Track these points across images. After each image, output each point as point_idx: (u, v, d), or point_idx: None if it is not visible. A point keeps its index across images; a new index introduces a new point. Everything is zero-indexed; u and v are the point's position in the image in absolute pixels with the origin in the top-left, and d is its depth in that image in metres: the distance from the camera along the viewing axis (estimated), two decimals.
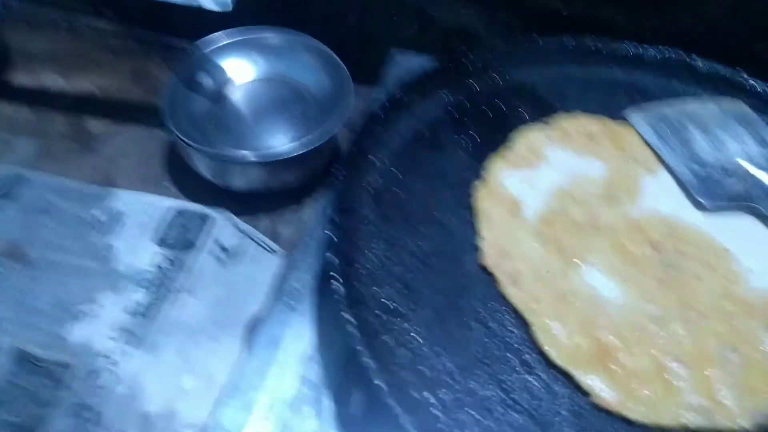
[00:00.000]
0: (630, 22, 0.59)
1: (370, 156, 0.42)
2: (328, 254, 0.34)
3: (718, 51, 0.56)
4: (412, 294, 0.36)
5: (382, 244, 0.38)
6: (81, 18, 0.78)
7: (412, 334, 0.34)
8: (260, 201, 0.61)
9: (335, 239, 0.35)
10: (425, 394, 0.32)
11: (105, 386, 0.48)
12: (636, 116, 0.47)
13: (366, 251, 0.37)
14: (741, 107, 0.47)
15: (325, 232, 0.35)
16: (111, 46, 0.76)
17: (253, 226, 0.60)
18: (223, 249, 0.57)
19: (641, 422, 0.31)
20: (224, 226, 0.59)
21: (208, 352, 0.50)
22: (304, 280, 0.41)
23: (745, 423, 0.31)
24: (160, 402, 0.48)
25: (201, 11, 0.56)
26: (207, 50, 0.64)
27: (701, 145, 0.44)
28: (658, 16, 0.58)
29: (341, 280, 0.34)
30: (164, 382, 0.48)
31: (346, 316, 0.32)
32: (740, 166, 0.43)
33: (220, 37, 0.65)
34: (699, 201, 0.41)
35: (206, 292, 0.54)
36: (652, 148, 0.44)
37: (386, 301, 0.35)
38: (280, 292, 0.40)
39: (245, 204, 0.61)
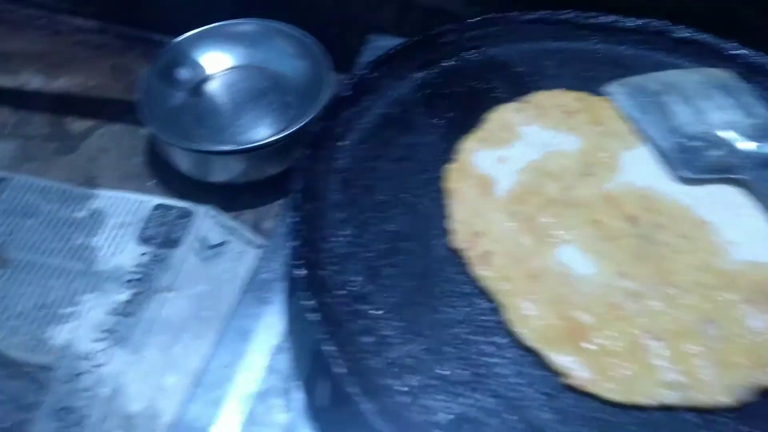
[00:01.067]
0: None
1: (337, 138, 0.41)
2: (293, 241, 0.33)
3: (704, 20, 0.55)
4: (380, 279, 0.35)
5: (350, 228, 0.37)
6: (60, 16, 0.77)
7: (379, 320, 0.33)
8: (243, 194, 0.60)
9: (299, 225, 0.34)
10: (392, 380, 0.31)
11: (88, 388, 0.48)
12: (615, 89, 0.45)
13: (333, 236, 0.36)
14: (726, 76, 0.45)
15: (291, 218, 0.34)
16: (90, 43, 0.75)
17: (237, 221, 0.59)
18: (206, 245, 0.57)
19: (616, 401, 0.30)
20: (207, 221, 0.58)
21: (192, 349, 0.50)
22: (276, 270, 0.40)
23: (725, 399, 0.30)
24: (144, 401, 0.47)
25: (178, 5, 0.55)
26: (183, 43, 0.64)
27: (683, 116, 0.42)
28: None
29: (304, 268, 0.32)
30: (147, 381, 0.48)
31: (309, 303, 0.31)
32: (724, 137, 0.41)
33: (197, 30, 0.64)
34: (680, 173, 0.40)
35: (189, 289, 0.54)
36: (628, 117, 0.43)
37: (353, 287, 0.34)
38: (251, 284, 0.39)
39: (228, 198, 0.60)
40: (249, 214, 0.60)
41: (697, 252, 0.36)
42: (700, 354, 0.32)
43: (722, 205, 0.39)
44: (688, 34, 0.49)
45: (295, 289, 0.38)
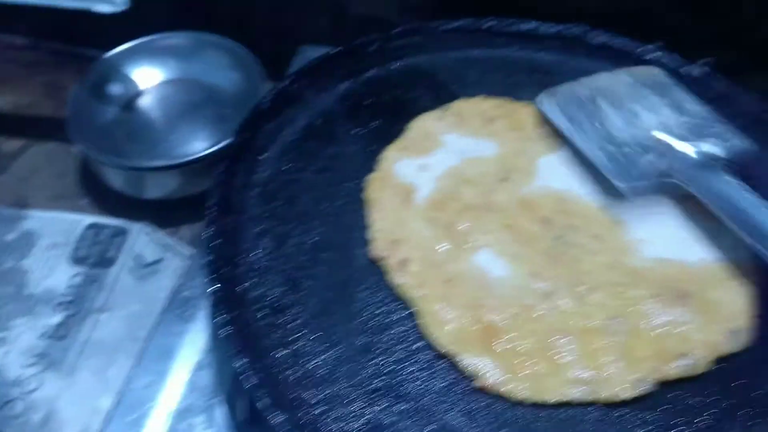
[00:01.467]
0: None
1: (257, 151, 0.41)
2: (206, 257, 0.33)
3: (631, 22, 0.56)
4: (299, 291, 0.35)
5: (270, 241, 0.37)
6: None
7: (295, 332, 0.33)
8: (180, 210, 0.60)
9: (213, 240, 0.34)
10: (306, 392, 0.31)
11: (20, 415, 0.47)
12: (544, 99, 0.45)
13: (252, 250, 0.36)
14: (655, 75, 0.46)
15: (205, 234, 0.34)
16: (22, 60, 0.74)
17: (175, 237, 0.58)
18: (141, 263, 0.56)
19: (526, 401, 0.31)
20: (142, 239, 0.57)
21: (127, 369, 0.49)
22: (199, 287, 0.40)
23: (628, 393, 0.31)
24: (78, 425, 0.46)
25: (112, 18, 0.54)
26: (114, 58, 0.63)
27: (614, 122, 0.41)
28: None
29: (217, 283, 0.32)
30: (81, 404, 0.47)
31: (221, 318, 0.31)
32: (657, 140, 0.40)
33: (128, 44, 0.63)
34: (618, 184, 0.39)
35: (124, 308, 0.53)
36: (560, 130, 0.43)
37: (270, 301, 0.34)
38: (174, 302, 0.38)
39: (164, 214, 0.59)
40: (186, 230, 0.59)
41: (608, 251, 0.37)
42: (607, 350, 0.33)
43: (636, 204, 0.40)
44: (605, 39, 0.50)
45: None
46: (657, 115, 0.41)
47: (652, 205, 0.40)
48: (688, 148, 0.39)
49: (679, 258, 0.37)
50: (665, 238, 0.38)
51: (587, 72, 0.49)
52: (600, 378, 0.31)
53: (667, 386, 0.32)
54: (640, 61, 0.50)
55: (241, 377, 0.29)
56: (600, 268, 0.36)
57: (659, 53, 0.50)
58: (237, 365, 0.29)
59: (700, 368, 0.33)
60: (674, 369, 0.33)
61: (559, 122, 0.43)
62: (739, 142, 0.39)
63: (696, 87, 0.47)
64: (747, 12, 0.54)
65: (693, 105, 0.42)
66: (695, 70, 0.48)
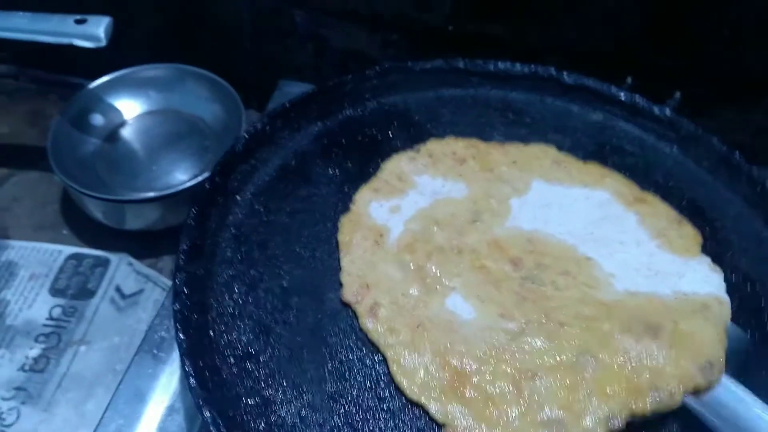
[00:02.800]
0: (515, 35, 0.60)
1: (230, 193, 0.41)
2: (174, 305, 0.34)
3: (602, 58, 0.58)
4: (269, 337, 0.36)
5: (241, 286, 0.38)
6: None
7: (264, 380, 0.34)
8: (162, 241, 0.60)
9: (181, 287, 0.34)
10: None
11: None
12: None
13: (224, 296, 0.37)
14: None
15: (173, 281, 0.34)
16: (4, 88, 0.74)
17: (156, 268, 0.59)
18: (122, 294, 0.56)
19: None
20: (123, 269, 0.57)
21: (105, 404, 0.49)
22: (173, 328, 0.40)
23: (600, 430, 0.31)
24: None
25: (87, 49, 0.55)
26: (96, 89, 0.63)
27: None
28: (541, 28, 0.59)
29: (185, 332, 0.33)
30: None
31: (187, 368, 0.31)
32: None
33: (110, 75, 0.64)
34: None
35: (104, 341, 0.53)
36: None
37: (240, 348, 0.35)
38: (148, 342, 0.39)
39: (146, 245, 0.59)
40: (167, 261, 0.60)
41: (578, 286, 0.38)
42: (578, 387, 0.33)
43: (604, 242, 0.41)
44: (575, 79, 0.51)
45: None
46: None
47: (619, 241, 0.41)
48: None
49: (650, 291, 0.38)
50: (636, 271, 0.39)
51: (558, 111, 0.50)
52: (571, 416, 0.32)
53: (639, 421, 0.33)
54: (607, 100, 0.51)
55: (208, 428, 0.29)
56: (570, 303, 0.37)
57: (625, 93, 0.51)
58: (205, 416, 0.30)
59: (674, 402, 0.33)
60: (647, 404, 0.33)
61: None
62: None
63: (665, 128, 0.48)
64: (713, 48, 0.56)
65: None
66: (665, 110, 0.49)
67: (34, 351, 0.52)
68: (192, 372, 0.31)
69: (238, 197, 0.42)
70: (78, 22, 0.55)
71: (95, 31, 0.54)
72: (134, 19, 0.64)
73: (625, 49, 0.58)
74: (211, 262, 0.38)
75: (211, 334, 0.35)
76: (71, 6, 0.56)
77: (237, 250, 0.39)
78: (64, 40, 0.55)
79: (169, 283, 0.57)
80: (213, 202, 0.40)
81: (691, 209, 0.43)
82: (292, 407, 0.33)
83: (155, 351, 0.39)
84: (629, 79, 0.54)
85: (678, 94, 0.54)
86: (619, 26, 0.57)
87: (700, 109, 0.52)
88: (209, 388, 0.31)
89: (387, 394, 0.34)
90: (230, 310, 0.36)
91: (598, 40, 0.59)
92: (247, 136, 0.42)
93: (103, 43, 0.54)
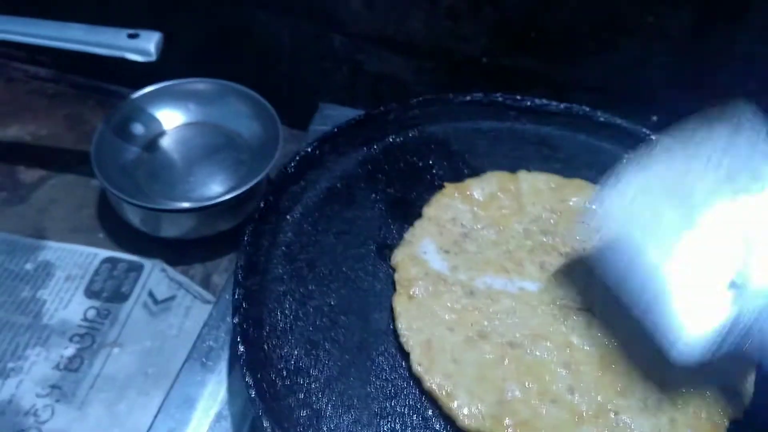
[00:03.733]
0: (546, 71, 0.62)
1: (281, 212, 0.43)
2: (234, 319, 0.36)
3: (629, 97, 0.60)
4: (319, 353, 0.37)
5: (292, 302, 0.39)
6: (14, 63, 0.78)
7: (315, 394, 0.35)
8: (194, 249, 0.62)
9: (239, 302, 0.36)
10: None
11: None
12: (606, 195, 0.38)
13: (276, 311, 0.39)
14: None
15: (233, 296, 0.36)
16: (44, 92, 0.76)
17: (187, 276, 0.60)
18: (155, 300, 0.58)
19: None
20: (156, 275, 0.59)
21: (137, 405, 0.51)
22: (222, 338, 0.42)
23: None
24: None
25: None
26: (140, 99, 0.65)
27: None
28: (572, 66, 0.62)
29: (245, 345, 0.35)
30: None
31: (248, 381, 0.33)
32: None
33: (153, 86, 0.66)
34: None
35: (136, 344, 0.55)
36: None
37: (292, 362, 0.37)
38: (197, 350, 0.41)
39: (178, 253, 0.61)
40: (198, 269, 0.62)
41: None
42: None
43: None
44: (605, 117, 0.54)
45: (236, 363, 0.40)
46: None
47: None
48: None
49: None
50: None
51: (592, 148, 0.53)
52: None
53: None
54: (639, 139, 0.53)
55: None
56: None
57: (655, 134, 0.53)
58: (265, 426, 0.32)
59: None
60: None
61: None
62: None
63: None
64: (740, 89, 0.58)
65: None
66: None
67: (69, 350, 0.54)
68: (252, 383, 0.33)
69: (288, 217, 0.44)
70: (131, 36, 0.57)
71: (146, 46, 0.56)
72: (176, 34, 0.66)
73: (651, 90, 0.61)
74: (264, 278, 0.40)
75: (266, 347, 0.37)
76: (118, 19, 0.58)
77: (287, 268, 0.41)
78: (117, 53, 0.57)
79: (201, 290, 0.59)
80: (266, 220, 0.42)
81: None
82: (342, 421, 0.35)
83: (204, 360, 0.41)
84: (654, 118, 0.57)
85: None
86: (646, 70, 0.60)
87: None
88: (267, 399, 0.33)
89: (433, 415, 0.36)
90: (282, 325, 0.38)
91: (625, 80, 0.61)
92: (298, 158, 0.45)
93: (154, 58, 0.57)
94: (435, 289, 0.41)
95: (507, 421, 0.36)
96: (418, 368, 0.37)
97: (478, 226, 0.45)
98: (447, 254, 0.43)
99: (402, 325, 0.39)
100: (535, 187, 0.48)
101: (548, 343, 0.39)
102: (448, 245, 0.44)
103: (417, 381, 0.37)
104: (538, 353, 0.39)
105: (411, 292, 0.40)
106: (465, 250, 0.44)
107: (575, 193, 0.48)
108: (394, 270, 0.42)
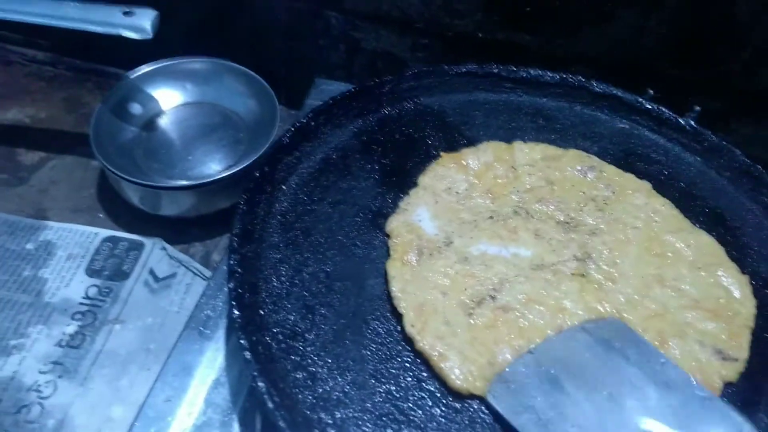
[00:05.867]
0: (541, 45, 0.62)
1: (277, 182, 0.43)
2: (229, 284, 0.36)
3: (624, 69, 0.60)
4: (314, 317, 0.38)
5: (288, 269, 0.40)
6: (12, 47, 0.78)
7: (311, 357, 0.36)
8: (194, 228, 0.62)
9: (236, 268, 0.37)
10: (320, 414, 0.33)
11: (35, 420, 0.49)
12: (497, 389, 0.35)
13: (272, 277, 0.39)
14: (616, 328, 0.38)
15: (228, 261, 0.37)
16: (43, 74, 0.76)
17: (187, 253, 0.61)
18: (155, 277, 0.58)
19: None
20: (156, 254, 0.60)
21: (138, 380, 0.51)
22: (219, 307, 0.43)
23: None
24: None
25: (132, 40, 0.57)
26: (137, 79, 0.66)
27: (588, 417, 0.33)
28: (567, 39, 0.61)
29: (240, 309, 0.35)
30: (94, 413, 0.49)
31: (243, 342, 0.33)
32: None
33: (150, 66, 0.66)
34: None
35: (137, 321, 0.55)
36: None
37: (288, 326, 0.37)
38: (195, 320, 0.41)
39: (178, 231, 0.62)
40: (198, 247, 0.62)
41: None
42: None
43: None
44: (603, 89, 0.53)
45: (232, 327, 0.40)
46: (640, 400, 0.34)
47: None
48: None
49: None
50: None
51: (586, 118, 0.53)
52: None
53: None
54: (635, 110, 0.53)
55: (262, 398, 0.32)
56: None
57: (652, 105, 0.53)
58: (258, 386, 0.32)
59: None
60: None
61: (522, 425, 0.34)
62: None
63: (689, 139, 0.51)
64: (733, 67, 0.58)
65: (672, 371, 0.36)
66: (689, 122, 0.51)
67: (71, 328, 0.54)
68: (247, 346, 0.33)
69: (283, 187, 0.44)
70: (126, 14, 0.57)
71: (142, 23, 0.56)
72: (171, 12, 0.66)
73: (647, 62, 0.61)
74: (259, 246, 0.40)
75: (261, 312, 0.37)
76: None
77: (283, 236, 0.41)
78: (112, 31, 0.57)
79: (201, 267, 0.59)
80: (261, 190, 0.42)
81: (714, 217, 0.45)
82: (337, 383, 0.35)
83: (201, 328, 0.41)
84: (650, 91, 0.57)
85: (697, 108, 0.56)
86: (642, 42, 0.60)
87: (717, 122, 0.54)
88: (262, 361, 0.34)
89: (425, 374, 0.36)
90: (278, 291, 0.39)
91: (621, 53, 0.61)
92: (293, 130, 0.45)
93: (150, 35, 0.57)
94: (429, 254, 0.41)
95: None
96: (411, 329, 0.37)
97: (474, 195, 0.45)
98: (441, 221, 0.43)
99: (395, 288, 0.39)
100: (531, 157, 0.48)
101: (541, 308, 0.39)
102: (443, 213, 0.44)
103: (411, 343, 0.37)
104: (531, 317, 0.39)
105: (405, 258, 0.41)
106: (460, 218, 0.44)
107: (571, 163, 0.48)
108: (388, 237, 0.42)
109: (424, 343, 0.37)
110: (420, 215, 0.43)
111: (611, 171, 0.48)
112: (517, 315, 0.39)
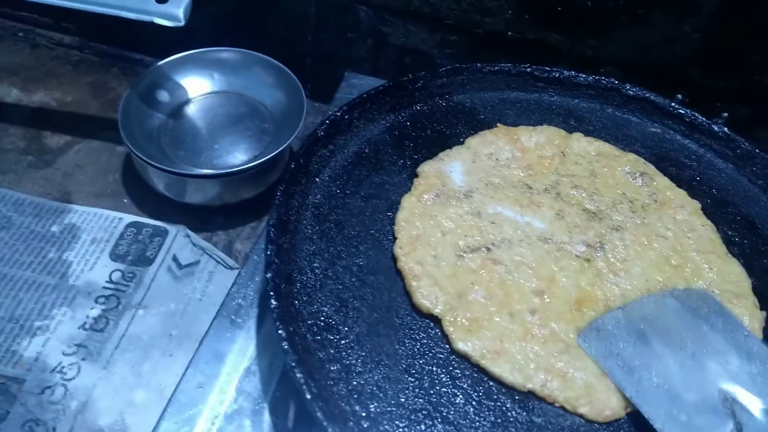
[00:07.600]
0: (572, 45, 0.62)
1: (311, 174, 0.44)
2: (267, 273, 0.36)
3: (654, 74, 0.60)
4: (348, 310, 0.38)
5: (322, 261, 0.40)
6: (39, 30, 0.78)
7: (345, 349, 0.36)
8: (217, 217, 0.63)
9: (273, 258, 0.37)
10: (354, 406, 0.33)
11: (58, 401, 0.49)
12: (588, 336, 0.38)
13: (306, 269, 0.39)
14: (705, 299, 0.40)
15: (265, 252, 0.37)
16: (69, 58, 0.77)
17: (210, 242, 0.61)
18: (179, 264, 0.59)
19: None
20: (180, 241, 0.60)
21: (161, 366, 0.52)
22: (250, 296, 0.43)
23: None
24: (113, 416, 0.49)
25: (160, 27, 0.57)
26: (165, 66, 0.66)
27: (672, 371, 0.35)
28: (598, 40, 0.61)
29: (278, 299, 0.35)
30: (116, 396, 0.50)
31: (281, 333, 0.33)
32: (724, 397, 0.35)
33: (180, 55, 0.66)
34: None
35: (160, 307, 0.55)
36: (609, 375, 0.37)
37: (323, 318, 0.37)
38: (226, 308, 0.41)
39: (202, 219, 0.62)
40: (221, 236, 0.62)
41: None
42: None
43: None
44: (634, 91, 0.53)
45: (268, 316, 0.40)
46: (721, 364, 0.36)
47: None
48: (760, 410, 0.34)
49: None
50: None
51: (618, 121, 0.53)
52: None
53: None
54: (666, 114, 0.53)
55: (299, 389, 0.32)
56: None
57: (684, 110, 0.53)
58: (295, 377, 0.32)
59: None
60: None
61: (609, 368, 0.36)
62: None
63: (722, 145, 0.51)
64: (764, 75, 0.58)
65: (755, 343, 0.37)
66: (723, 128, 0.51)
67: (95, 311, 0.55)
68: (285, 336, 0.33)
69: (317, 179, 0.44)
70: (159, 1, 0.57)
71: (175, 10, 0.57)
72: (201, 2, 0.66)
73: (677, 68, 0.61)
74: (294, 237, 0.40)
75: (296, 303, 0.37)
76: None
77: (317, 228, 0.41)
78: (145, 17, 0.57)
79: (224, 256, 0.60)
80: (296, 181, 0.42)
81: (745, 225, 0.45)
82: (371, 376, 0.35)
83: (233, 317, 0.41)
84: (679, 96, 0.56)
85: (725, 115, 0.56)
86: (674, 47, 0.59)
87: (743, 128, 0.54)
88: (299, 352, 0.34)
89: (460, 373, 0.36)
90: (312, 283, 0.39)
91: (652, 57, 0.61)
92: (327, 122, 0.45)
93: (182, 22, 0.56)
94: (445, 200, 0.42)
95: (458, 312, 0.37)
96: (398, 250, 0.39)
97: (513, 165, 0.46)
98: (471, 178, 0.44)
99: (400, 216, 0.41)
100: (586, 149, 0.49)
101: (531, 272, 0.40)
102: (476, 172, 0.45)
103: (447, 341, 0.37)
104: (517, 275, 0.40)
105: (422, 196, 0.42)
106: (490, 181, 0.45)
107: (625, 164, 0.48)
108: (416, 176, 0.44)
109: (405, 263, 0.38)
110: (453, 167, 0.45)
111: (663, 183, 0.47)
112: (505, 270, 0.40)
